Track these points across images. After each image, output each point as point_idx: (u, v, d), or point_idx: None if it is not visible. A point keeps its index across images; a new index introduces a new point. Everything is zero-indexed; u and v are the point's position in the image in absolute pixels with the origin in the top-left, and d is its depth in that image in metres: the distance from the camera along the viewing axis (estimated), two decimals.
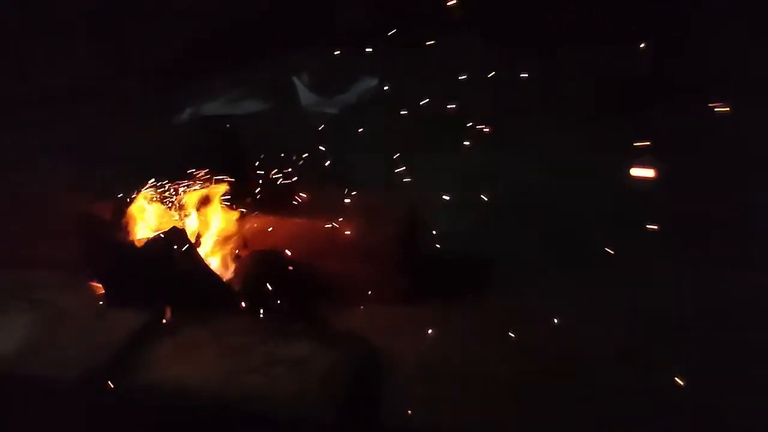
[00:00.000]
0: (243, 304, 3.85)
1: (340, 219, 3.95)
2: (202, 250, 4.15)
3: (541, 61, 4.91)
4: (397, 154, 4.35)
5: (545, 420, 3.06)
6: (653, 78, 4.90)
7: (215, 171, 4.42)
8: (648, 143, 3.97)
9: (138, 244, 4.01)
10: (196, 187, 4.33)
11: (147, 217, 4.20)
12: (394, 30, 4.68)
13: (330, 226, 3.93)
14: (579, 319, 3.60)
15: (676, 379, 3.11)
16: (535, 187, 4.46)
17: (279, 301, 3.80)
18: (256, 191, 4.35)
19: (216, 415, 3.17)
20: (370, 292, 3.83)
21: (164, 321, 3.74)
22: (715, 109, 3.98)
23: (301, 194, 4.24)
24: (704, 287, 3.75)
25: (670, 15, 4.81)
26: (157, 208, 4.24)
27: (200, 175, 4.40)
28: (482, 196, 4.17)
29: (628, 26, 4.90)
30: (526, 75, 4.57)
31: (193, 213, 4.27)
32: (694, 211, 4.08)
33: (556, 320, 3.58)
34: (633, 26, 4.89)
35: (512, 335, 3.50)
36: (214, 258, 4.20)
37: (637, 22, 4.87)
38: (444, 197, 4.14)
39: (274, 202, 4.30)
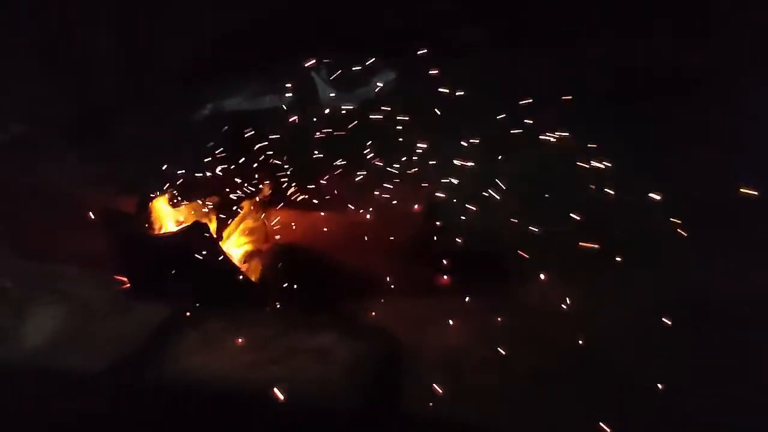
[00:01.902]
0: (266, 297, 3.90)
1: (363, 213, 3.98)
2: (225, 244, 4.20)
3: (554, 56, 4.89)
4: (419, 150, 4.37)
5: (566, 410, 3.07)
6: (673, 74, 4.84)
7: (237, 166, 4.48)
8: None
9: (162, 239, 4.07)
10: (219, 182, 4.40)
11: (171, 212, 4.27)
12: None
13: (352, 220, 3.97)
14: (600, 312, 3.60)
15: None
16: (554, 182, 4.44)
17: (301, 294, 3.83)
18: (279, 186, 4.40)
19: (240, 404, 3.22)
20: (392, 285, 3.86)
21: (188, 313, 3.78)
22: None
23: (323, 188, 4.29)
24: (722, 278, 3.73)
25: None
26: (181, 203, 4.31)
27: (223, 170, 4.46)
28: (502, 191, 4.18)
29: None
30: (540, 70, 4.56)
31: (216, 208, 4.34)
32: (711, 203, 4.05)
33: (577, 313, 3.59)
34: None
35: (532, 327, 3.52)
36: (237, 252, 4.25)
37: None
38: (465, 192, 4.16)
39: (296, 196, 4.36)
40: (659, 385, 3.15)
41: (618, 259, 3.89)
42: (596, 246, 3.89)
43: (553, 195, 4.34)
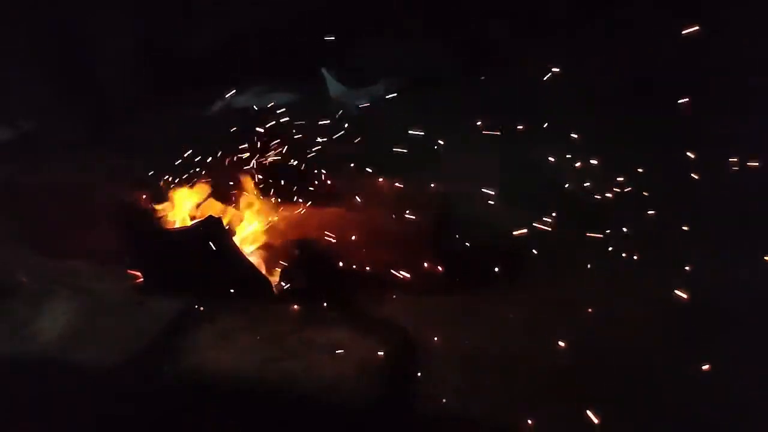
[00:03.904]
0: (278, 292, 3.92)
1: (375, 209, 4.00)
2: (237, 239, 4.22)
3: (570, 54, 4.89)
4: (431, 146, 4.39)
5: (577, 407, 3.09)
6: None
7: (249, 162, 4.50)
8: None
9: (175, 233, 4.10)
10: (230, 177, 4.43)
11: (184, 207, 4.29)
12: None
13: (364, 216, 3.98)
14: (611, 309, 3.62)
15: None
16: (568, 180, 4.46)
17: (314, 290, 3.85)
18: (291, 182, 4.43)
19: (254, 399, 3.24)
20: (405, 282, 3.88)
21: (201, 308, 3.80)
22: None
23: (334, 184, 4.31)
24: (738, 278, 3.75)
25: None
26: (194, 197, 4.34)
27: (234, 165, 4.48)
28: (516, 189, 4.20)
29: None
30: (556, 69, 4.57)
31: (229, 202, 4.37)
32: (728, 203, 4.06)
33: (589, 309, 3.61)
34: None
35: (544, 325, 3.54)
36: (250, 247, 4.27)
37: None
38: (478, 190, 4.17)
39: (309, 192, 4.38)
40: (663, 384, 3.17)
41: (625, 256, 3.92)
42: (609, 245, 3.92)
43: (557, 193, 4.36)
